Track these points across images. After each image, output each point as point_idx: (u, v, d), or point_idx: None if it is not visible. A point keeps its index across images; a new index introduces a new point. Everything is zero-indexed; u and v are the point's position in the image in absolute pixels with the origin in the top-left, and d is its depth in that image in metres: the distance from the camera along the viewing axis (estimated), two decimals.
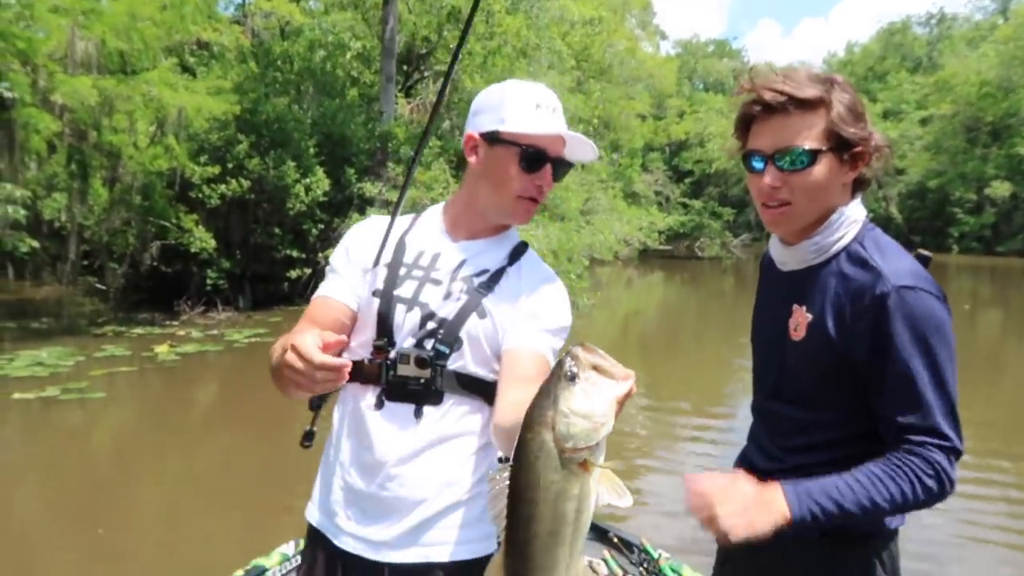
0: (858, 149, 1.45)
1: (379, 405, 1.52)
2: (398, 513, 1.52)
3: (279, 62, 16.77)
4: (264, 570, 3.04)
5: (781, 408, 1.60)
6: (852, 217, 1.50)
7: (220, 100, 13.06)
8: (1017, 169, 39.98)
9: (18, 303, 16.13)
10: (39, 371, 9.18)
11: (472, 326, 1.51)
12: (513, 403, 1.29)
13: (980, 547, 5.02)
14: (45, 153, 12.28)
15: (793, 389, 1.56)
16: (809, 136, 1.43)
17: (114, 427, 7.84)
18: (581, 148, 1.56)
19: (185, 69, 15.62)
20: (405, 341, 1.52)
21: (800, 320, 1.51)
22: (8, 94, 10.61)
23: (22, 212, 12.99)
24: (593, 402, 0.97)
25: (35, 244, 14.94)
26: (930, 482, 1.36)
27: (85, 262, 15.26)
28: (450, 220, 1.64)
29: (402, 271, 1.57)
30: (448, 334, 1.50)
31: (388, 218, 1.65)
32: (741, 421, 7.67)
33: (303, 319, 1.58)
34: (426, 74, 19.59)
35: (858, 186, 1.53)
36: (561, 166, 1.56)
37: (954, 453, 1.39)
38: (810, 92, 1.43)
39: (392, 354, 1.51)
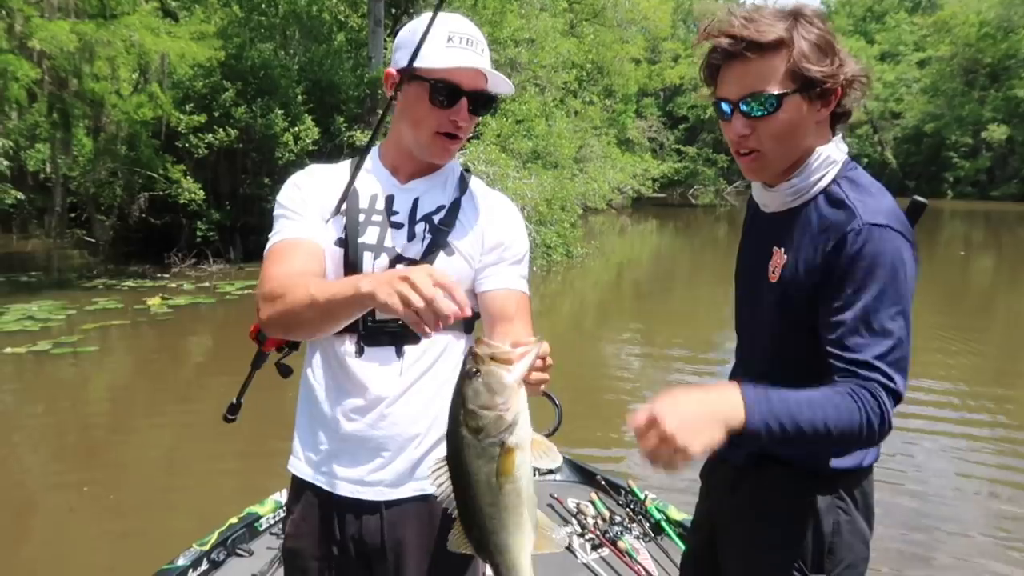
0: (827, 86, 1.39)
1: (359, 352, 1.54)
2: (391, 451, 1.56)
3: (263, 5, 16.29)
4: (258, 517, 3.08)
5: (758, 353, 1.62)
6: (831, 157, 1.46)
7: (204, 46, 12.69)
8: (1015, 112, 39.60)
9: (5, 256, 15.97)
10: (30, 325, 9.09)
11: (441, 264, 1.53)
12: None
13: (969, 482, 5.16)
14: (25, 102, 11.94)
15: (767, 332, 1.56)
16: (772, 80, 1.39)
17: (108, 380, 7.79)
18: (497, 83, 1.54)
19: (167, 14, 15.15)
20: None
21: (778, 262, 1.50)
22: None
23: (5, 163, 12.74)
24: (493, 393, 1.08)
25: (20, 196, 14.72)
26: (875, 419, 1.31)
27: (72, 214, 15.04)
28: (390, 162, 1.63)
29: (361, 217, 1.56)
30: None
31: (333, 166, 1.64)
32: (729, 367, 7.72)
33: (281, 264, 1.49)
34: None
35: (837, 120, 1.49)
36: (480, 100, 1.52)
37: (896, 396, 1.34)
38: (769, 35, 1.37)
39: None
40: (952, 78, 43.61)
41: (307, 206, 1.56)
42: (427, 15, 1.51)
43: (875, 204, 1.40)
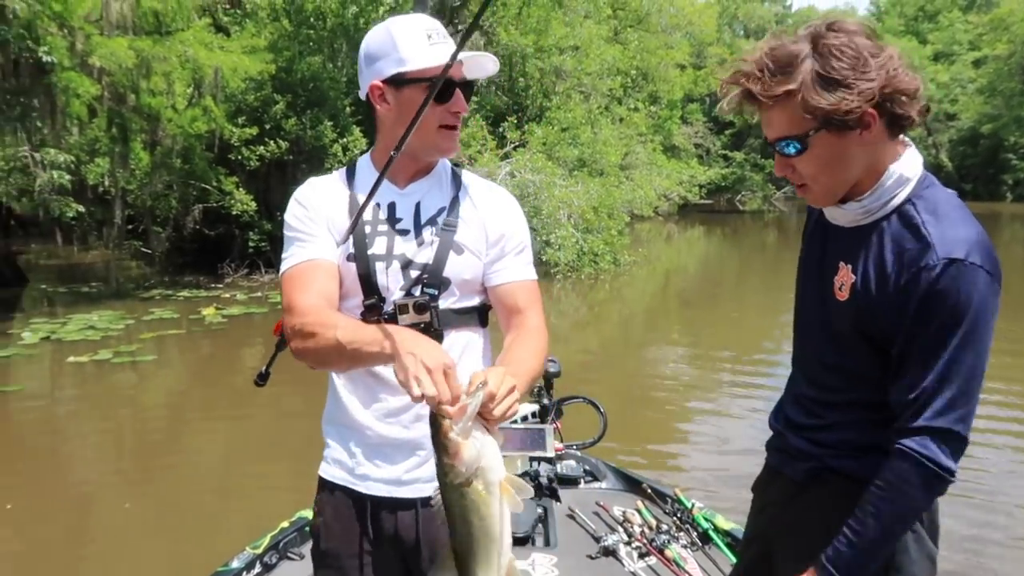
0: (842, 117, 1.33)
1: None
2: (427, 450, 1.55)
3: (312, 19, 16.59)
4: (308, 521, 3.08)
5: (822, 366, 1.56)
6: (904, 176, 1.40)
7: (255, 59, 12.97)
8: None
9: (68, 268, 16.49)
10: (91, 335, 9.37)
11: (453, 264, 1.57)
12: (509, 346, 1.54)
13: None
14: (86, 117, 12.35)
15: (835, 348, 1.51)
16: (792, 122, 1.37)
17: (165, 388, 7.97)
18: (481, 64, 1.56)
19: (219, 29, 15.53)
20: (394, 295, 1.56)
21: (845, 280, 1.45)
22: (47, 58, 10.62)
23: (66, 177, 13.15)
24: (443, 447, 1.20)
25: (81, 209, 15.15)
26: (919, 483, 1.36)
27: (130, 226, 15.48)
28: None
29: (367, 229, 1.58)
30: (433, 277, 1.56)
31: (329, 177, 1.68)
32: (780, 378, 7.56)
33: (303, 291, 1.53)
34: (460, 27, 19.23)
35: (897, 131, 1.41)
36: (468, 88, 1.57)
37: (954, 441, 1.35)
38: (775, 89, 1.35)
39: (388, 308, 1.55)
40: (1010, 77, 42.20)
41: (315, 223, 1.59)
42: (385, 24, 1.54)
43: (954, 233, 1.33)
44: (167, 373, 8.47)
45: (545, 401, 3.35)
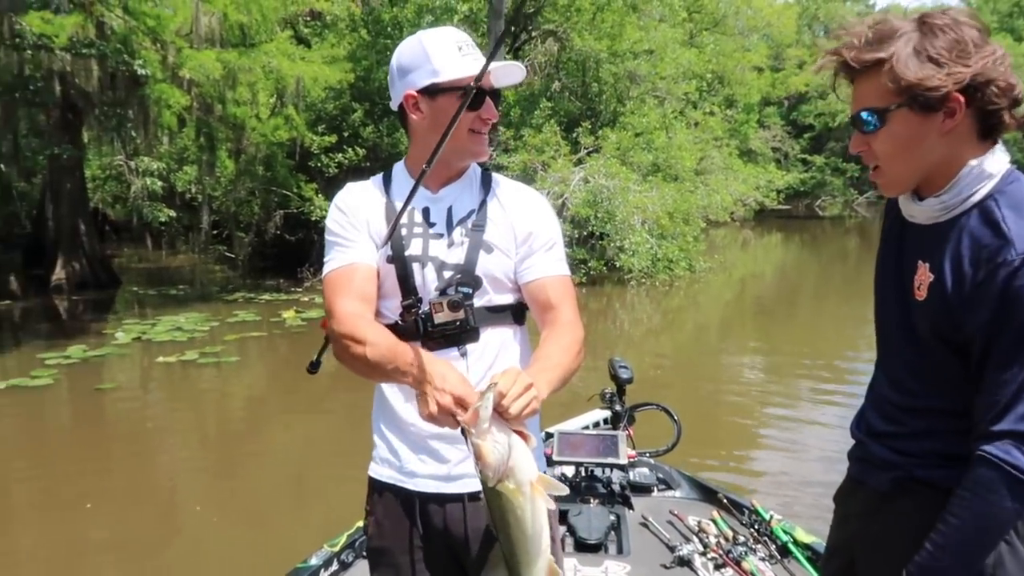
0: (929, 94, 1.28)
1: None
2: None
3: (388, 28, 16.91)
4: None
5: (903, 369, 1.50)
6: (986, 171, 1.33)
7: (335, 69, 13.32)
8: None
9: (157, 271, 17.23)
10: (179, 336, 9.76)
11: (485, 263, 1.62)
12: (542, 342, 1.56)
13: None
14: (176, 127, 12.92)
15: (915, 350, 1.45)
16: (878, 94, 1.33)
17: (247, 389, 8.23)
18: (509, 73, 1.61)
19: (300, 40, 16.01)
20: (430, 295, 1.61)
21: (923, 279, 1.40)
22: (141, 71, 11.16)
23: (158, 184, 13.76)
24: (474, 452, 1.24)
25: (171, 214, 15.86)
26: (1003, 490, 1.27)
27: (215, 231, 16.11)
28: (417, 175, 1.67)
29: (404, 231, 1.64)
30: (466, 275, 1.61)
31: (366, 183, 1.74)
32: (860, 387, 7.31)
33: (343, 297, 1.59)
34: (534, 34, 19.28)
35: (988, 131, 1.34)
36: (497, 96, 1.64)
37: None
38: (867, 56, 1.32)
39: (423, 308, 1.60)
40: None
41: (355, 228, 1.65)
42: (417, 37, 1.62)
43: None
44: (249, 374, 8.75)
45: (617, 407, 3.31)
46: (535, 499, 1.26)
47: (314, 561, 2.82)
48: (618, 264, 13.71)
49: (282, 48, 12.97)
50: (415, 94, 1.61)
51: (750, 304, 14.23)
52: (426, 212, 1.67)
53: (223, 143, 13.46)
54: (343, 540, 2.95)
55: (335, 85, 13.45)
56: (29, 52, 11.23)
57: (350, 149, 13.62)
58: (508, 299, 1.67)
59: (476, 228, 1.65)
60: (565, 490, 1.34)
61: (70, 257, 13.48)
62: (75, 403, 7.52)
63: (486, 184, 1.73)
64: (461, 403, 1.31)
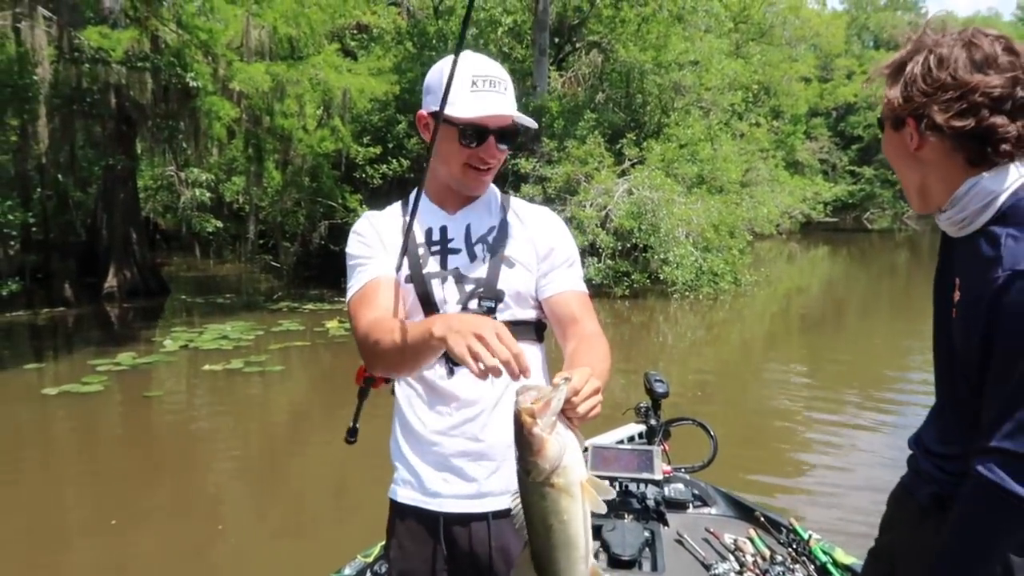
0: (895, 113, 1.38)
1: (450, 373, 1.62)
2: (496, 460, 1.62)
3: (433, 41, 17.06)
4: None
5: (946, 389, 1.50)
6: (987, 188, 1.33)
7: (380, 81, 13.46)
8: None
9: (205, 280, 17.57)
10: (224, 344, 9.90)
11: (507, 277, 1.62)
12: (574, 352, 1.53)
13: None
14: (225, 138, 13.17)
15: (960, 369, 1.42)
16: (884, 105, 1.42)
17: (290, 398, 8.28)
18: (507, 117, 1.60)
19: (347, 53, 16.23)
20: (452, 309, 1.60)
21: (955, 296, 1.40)
22: (193, 83, 11.40)
23: (207, 194, 14.03)
24: (527, 443, 1.17)
25: (219, 224, 16.17)
26: (985, 507, 1.29)
27: (261, 241, 16.37)
28: (436, 198, 1.72)
29: (420, 251, 1.65)
30: (488, 290, 1.60)
31: (385, 212, 1.76)
32: (908, 408, 7.20)
33: (368, 308, 1.58)
34: (578, 45, 19.27)
35: (979, 156, 1.33)
36: (508, 133, 1.61)
37: (1015, 462, 1.25)
38: (886, 65, 1.41)
39: None
40: None
41: (373, 247, 1.66)
42: (446, 60, 1.57)
43: None
44: (292, 383, 8.82)
45: (652, 422, 3.25)
46: (584, 500, 1.21)
47: (347, 572, 2.82)
48: (662, 277, 13.55)
49: (329, 60, 13.15)
50: (427, 115, 1.63)
51: (796, 319, 13.94)
52: (443, 231, 1.68)
53: (270, 154, 13.68)
54: (376, 551, 2.93)
55: (380, 97, 13.60)
56: (87, 66, 11.57)
57: (394, 160, 13.73)
58: (530, 315, 1.67)
59: (497, 244, 1.65)
60: (612, 493, 1.28)
61: (122, 265, 13.81)
62: (123, 410, 7.65)
63: (504, 204, 1.74)
64: (499, 335, 1.23)
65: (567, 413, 1.21)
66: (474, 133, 1.57)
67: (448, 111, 1.54)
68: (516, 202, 1.77)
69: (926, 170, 1.39)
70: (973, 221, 1.36)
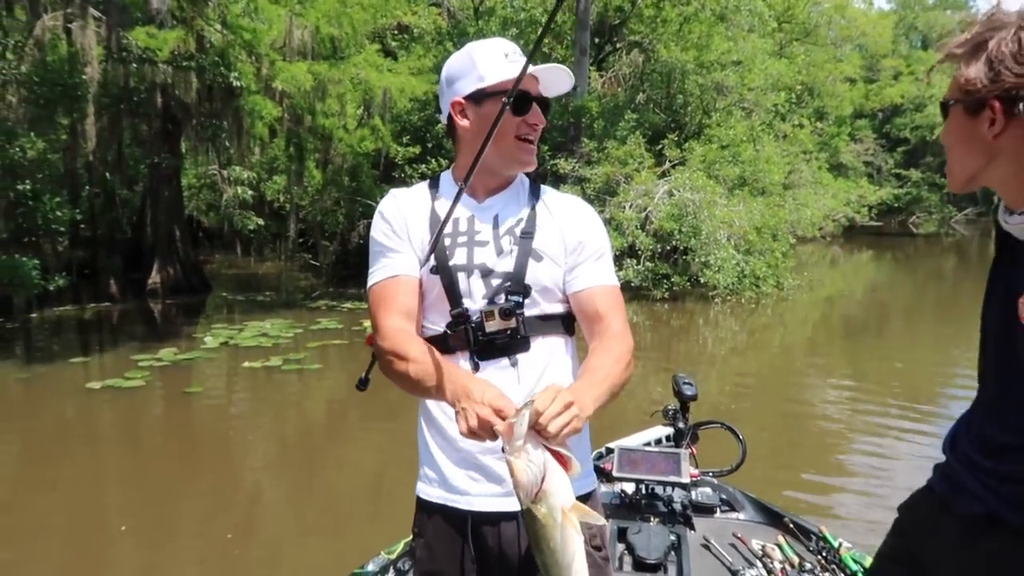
0: (972, 95, 1.25)
1: (475, 368, 1.57)
2: None
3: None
4: None
5: (1004, 401, 1.38)
6: None
7: (420, 80, 13.49)
8: None
9: (246, 277, 17.80)
10: (264, 342, 9.99)
11: (534, 271, 1.58)
12: (590, 354, 1.52)
13: None
14: (267, 138, 13.31)
15: (1013, 379, 1.33)
16: (951, 87, 1.31)
17: (327, 396, 8.32)
18: (556, 80, 1.62)
19: (387, 53, 16.31)
20: (478, 304, 1.57)
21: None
22: (236, 83, 11.54)
23: (249, 193, 14.19)
24: (513, 469, 1.19)
25: (260, 222, 16.36)
26: None
27: (301, 240, 16.53)
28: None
29: (447, 241, 1.61)
30: (515, 284, 1.57)
31: (412, 190, 1.72)
32: (950, 420, 6.89)
33: (388, 311, 1.58)
34: (619, 45, 19.12)
35: None
36: (544, 104, 1.63)
37: None
38: (957, 44, 1.29)
39: (474, 317, 1.56)
40: None
41: (399, 238, 1.63)
42: (465, 48, 1.62)
43: None
44: (330, 381, 8.85)
45: (680, 425, 3.20)
46: (565, 527, 1.20)
47: (371, 567, 2.79)
48: (702, 280, 13.35)
49: (370, 60, 13.23)
50: (462, 101, 1.61)
51: (838, 324, 13.62)
52: (471, 221, 1.64)
53: (311, 153, 13.81)
54: (399, 548, 2.91)
55: (420, 97, 13.64)
56: (134, 65, 11.79)
57: (433, 160, 13.76)
58: (559, 308, 1.63)
59: (525, 236, 1.61)
60: (601, 520, 1.29)
61: (166, 262, 14.04)
62: (164, 405, 7.75)
63: (534, 193, 1.70)
64: (500, 415, 1.26)
65: (542, 434, 1.20)
66: (521, 97, 1.56)
67: (487, 83, 1.57)
68: (547, 190, 1.73)
69: (1002, 159, 1.28)
70: None
